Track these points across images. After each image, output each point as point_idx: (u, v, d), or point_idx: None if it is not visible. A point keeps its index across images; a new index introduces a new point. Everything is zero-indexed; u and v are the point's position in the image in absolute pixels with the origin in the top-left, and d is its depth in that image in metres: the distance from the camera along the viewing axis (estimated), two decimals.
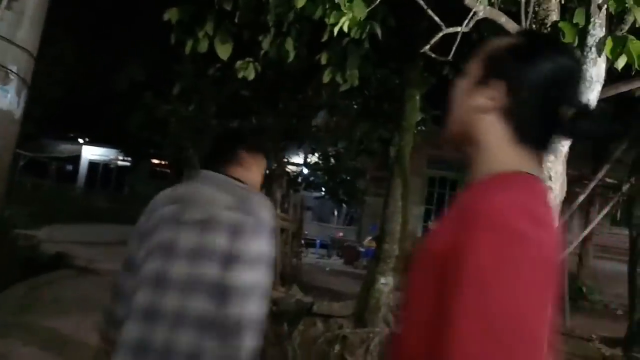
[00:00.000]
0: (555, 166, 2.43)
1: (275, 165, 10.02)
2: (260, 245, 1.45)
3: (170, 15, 3.99)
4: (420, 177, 12.48)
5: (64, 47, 12.77)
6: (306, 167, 12.36)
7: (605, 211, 6.62)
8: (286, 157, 11.70)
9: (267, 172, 11.01)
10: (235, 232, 1.43)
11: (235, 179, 1.57)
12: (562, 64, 0.84)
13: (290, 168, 12.39)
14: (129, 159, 23.01)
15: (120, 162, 24.77)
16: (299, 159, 13.41)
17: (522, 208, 0.74)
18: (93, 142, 24.43)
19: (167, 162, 19.07)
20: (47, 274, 6.81)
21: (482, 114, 0.86)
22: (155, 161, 21.61)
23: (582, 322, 7.01)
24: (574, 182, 3.52)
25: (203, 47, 4.13)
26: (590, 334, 6.22)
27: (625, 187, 6.14)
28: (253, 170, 1.65)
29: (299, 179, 11.96)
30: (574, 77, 0.86)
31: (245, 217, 1.45)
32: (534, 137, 0.84)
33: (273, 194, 8.45)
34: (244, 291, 1.39)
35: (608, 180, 6.82)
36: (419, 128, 6.80)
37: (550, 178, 2.42)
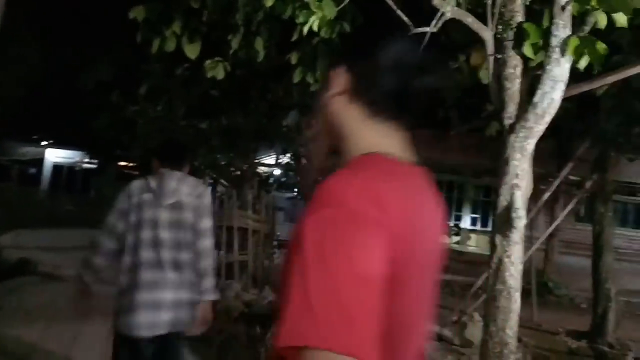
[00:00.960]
0: (521, 164, 2.48)
1: (247, 166, 9.93)
2: (209, 220, 2.57)
3: (136, 13, 3.90)
4: None
5: (26, 46, 12.36)
6: (278, 167, 12.31)
7: (569, 208, 6.82)
8: (257, 157, 11.62)
9: (239, 173, 10.91)
10: (195, 211, 2.50)
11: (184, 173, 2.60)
12: (393, 38, 0.93)
13: (261, 169, 12.31)
14: (95, 161, 22.43)
15: (85, 165, 24.13)
16: (270, 159, 13.34)
17: (348, 186, 0.78)
18: (57, 144, 23.72)
19: (134, 164, 18.68)
20: (10, 280, 6.57)
21: (334, 104, 0.93)
22: (123, 163, 21.14)
23: (549, 316, 7.19)
24: (539, 179, 3.61)
25: (170, 46, 4.06)
26: (557, 327, 6.40)
27: (588, 184, 6.33)
28: (188, 169, 2.65)
29: (271, 180, 11.90)
30: (407, 45, 0.93)
31: (199, 200, 2.53)
32: (384, 107, 0.91)
33: (244, 195, 8.37)
34: (205, 245, 2.53)
35: (571, 177, 7.02)
36: None
37: (517, 176, 2.47)
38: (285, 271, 0.79)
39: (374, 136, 0.91)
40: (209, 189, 2.68)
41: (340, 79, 0.92)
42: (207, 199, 2.61)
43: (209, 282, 2.53)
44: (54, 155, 24.45)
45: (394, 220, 0.77)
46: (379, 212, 0.76)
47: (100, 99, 9.07)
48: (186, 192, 2.50)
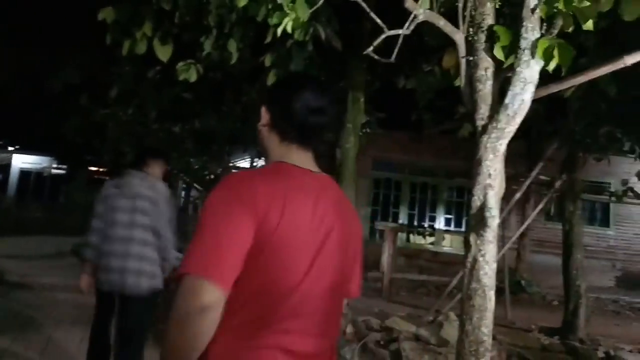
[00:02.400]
0: (494, 164, 2.51)
1: (221, 169, 9.83)
2: (167, 208, 3.21)
3: (105, 14, 3.81)
4: (366, 178, 12.64)
5: None
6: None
7: (539, 207, 6.96)
8: (231, 161, 11.52)
9: (213, 176, 10.76)
10: (152, 201, 3.16)
11: (147, 173, 3.29)
12: (298, 91, 1.32)
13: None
14: (64, 166, 21.84)
15: (54, 170, 23.49)
16: (244, 162, 13.25)
17: (234, 178, 1.22)
18: (24, 149, 23.01)
19: (105, 169, 18.26)
20: None
21: (262, 131, 1.36)
22: (93, 168, 20.65)
23: (521, 313, 7.33)
24: (511, 180, 3.66)
25: (141, 48, 3.98)
26: (529, 324, 6.52)
27: (557, 184, 6.48)
28: (153, 169, 3.32)
29: None
30: (308, 95, 1.31)
31: (155, 193, 3.18)
32: (291, 136, 1.32)
33: None
34: (162, 226, 3.16)
35: (542, 177, 7.17)
36: (364, 130, 6.87)
37: (489, 176, 2.51)
38: None
39: (283, 153, 1.32)
40: (164, 184, 3.38)
41: (264, 115, 1.36)
42: (163, 191, 3.27)
43: (169, 254, 3.21)
44: (21, 161, 23.73)
45: (262, 204, 1.15)
46: (250, 196, 1.15)
47: (69, 103, 8.84)
48: (145, 186, 3.21)
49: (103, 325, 3.29)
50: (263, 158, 1.44)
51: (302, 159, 1.32)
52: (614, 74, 2.92)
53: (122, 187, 3.24)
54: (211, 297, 1.07)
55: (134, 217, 3.13)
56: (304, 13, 2.64)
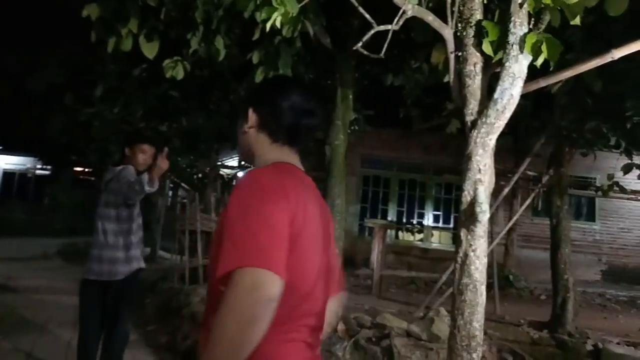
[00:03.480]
0: (484, 159, 2.51)
1: (209, 168, 9.76)
2: (121, 182, 3.27)
3: (90, 11, 3.73)
4: (355, 176, 12.64)
5: None
6: (241, 169, 12.16)
7: (527, 202, 7.02)
8: (220, 159, 11.45)
9: (200, 175, 10.64)
10: (115, 192, 3.28)
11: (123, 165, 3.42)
12: (287, 91, 1.34)
13: (224, 171, 12.14)
14: (49, 167, 21.52)
15: (38, 171, 23.16)
16: (233, 161, 13.16)
17: (262, 173, 1.22)
18: (7, 150, 22.66)
19: (91, 170, 18.04)
20: None
21: (248, 133, 1.35)
22: (78, 169, 20.39)
23: (511, 308, 7.39)
24: (499, 175, 3.67)
25: (127, 45, 3.92)
26: (519, 319, 6.58)
27: (544, 179, 6.53)
28: (135, 156, 3.39)
29: (234, 182, 11.74)
30: (297, 96, 1.33)
31: (114, 182, 3.31)
32: (281, 137, 1.33)
33: (207, 198, 8.22)
34: (125, 193, 3.23)
35: (529, 173, 7.22)
36: (352, 128, 6.87)
37: (479, 171, 2.51)
38: (217, 235, 1.18)
39: (276, 154, 1.32)
40: (125, 169, 3.41)
41: (251, 116, 1.35)
42: (115, 172, 3.36)
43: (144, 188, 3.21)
44: (4, 162, 23.38)
45: (292, 198, 1.16)
46: (282, 190, 1.16)
47: (53, 102, 8.70)
48: (107, 179, 3.38)
49: (92, 318, 3.33)
50: (242, 160, 1.50)
51: (294, 159, 1.34)
52: (600, 69, 2.94)
53: (104, 178, 3.52)
54: (277, 288, 1.06)
55: (103, 210, 3.35)
56: (294, 7, 2.62)
